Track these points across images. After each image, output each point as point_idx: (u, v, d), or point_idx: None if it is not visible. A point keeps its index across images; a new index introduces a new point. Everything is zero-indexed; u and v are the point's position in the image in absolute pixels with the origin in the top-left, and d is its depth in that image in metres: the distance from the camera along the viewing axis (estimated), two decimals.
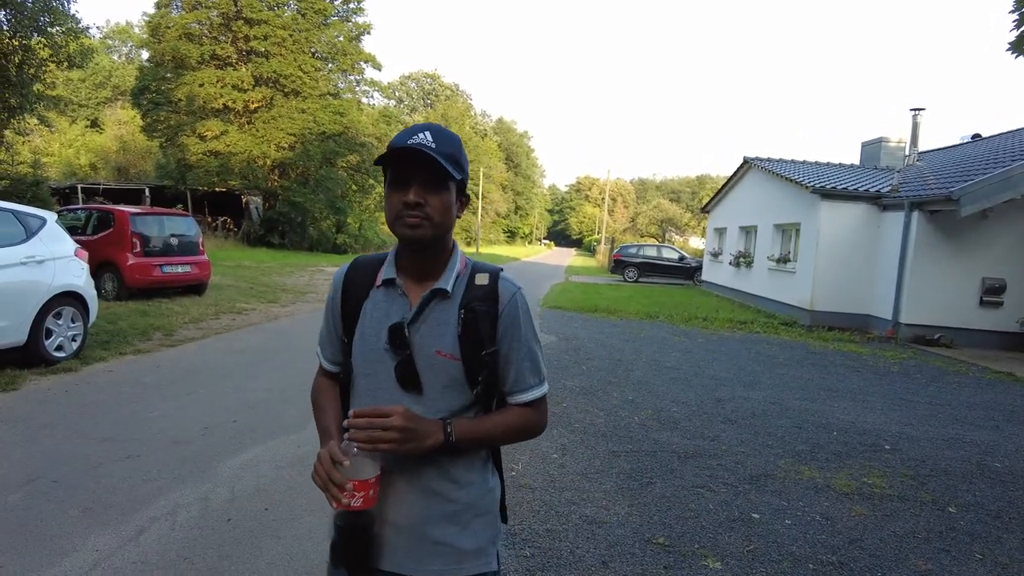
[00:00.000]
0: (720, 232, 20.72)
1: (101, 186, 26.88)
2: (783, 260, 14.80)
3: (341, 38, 28.23)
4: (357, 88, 30.63)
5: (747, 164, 17.83)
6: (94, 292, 6.55)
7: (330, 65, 28.49)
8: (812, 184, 13.01)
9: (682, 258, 25.24)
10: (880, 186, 13.32)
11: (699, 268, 23.70)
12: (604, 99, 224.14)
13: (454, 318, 1.28)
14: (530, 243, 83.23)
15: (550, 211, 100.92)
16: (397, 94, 66.84)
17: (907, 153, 16.15)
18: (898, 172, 15.14)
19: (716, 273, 20.55)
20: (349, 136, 28.12)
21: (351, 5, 28.54)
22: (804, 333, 11.86)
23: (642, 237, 51.82)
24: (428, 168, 1.20)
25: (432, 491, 1.28)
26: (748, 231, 18.07)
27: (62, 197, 24.53)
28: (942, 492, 4.29)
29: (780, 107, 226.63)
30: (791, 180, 14.13)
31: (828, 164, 17.40)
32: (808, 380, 7.69)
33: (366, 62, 29.45)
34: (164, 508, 3.43)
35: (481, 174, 54.87)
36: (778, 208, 15.47)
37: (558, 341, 9.45)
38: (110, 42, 42.89)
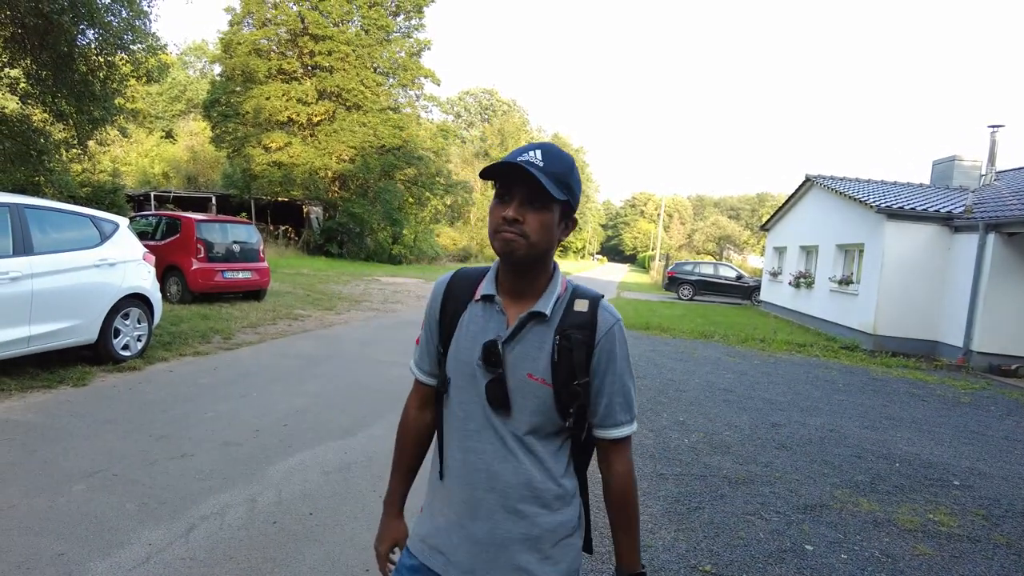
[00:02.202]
0: (780, 251, 20.13)
1: (172, 194, 28.20)
2: (845, 282, 14.25)
3: (402, 54, 28.94)
4: (416, 103, 31.27)
5: (809, 182, 17.30)
6: (159, 295, 6.84)
7: (391, 80, 29.20)
8: (877, 203, 12.50)
9: (740, 277, 24.62)
10: (952, 206, 12.68)
11: (757, 287, 23.07)
12: (662, 114, 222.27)
13: (549, 343, 1.26)
14: (582, 258, 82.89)
15: (604, 226, 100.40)
16: (455, 109, 67.90)
17: (983, 172, 15.36)
18: (972, 192, 14.40)
19: (775, 293, 19.95)
20: (407, 150, 28.70)
21: (412, 22, 29.25)
22: (866, 358, 11.35)
23: (698, 254, 50.98)
24: (530, 185, 1.19)
25: (519, 512, 1.27)
26: (809, 251, 17.49)
27: (137, 204, 25.88)
28: (1019, 535, 4.00)
29: (847, 125, 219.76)
30: (855, 199, 13.62)
31: (895, 183, 16.71)
32: (869, 407, 7.34)
33: (425, 77, 30.05)
34: (214, 507, 3.52)
35: None
36: (841, 228, 14.92)
37: None
38: (187, 58, 45.25)
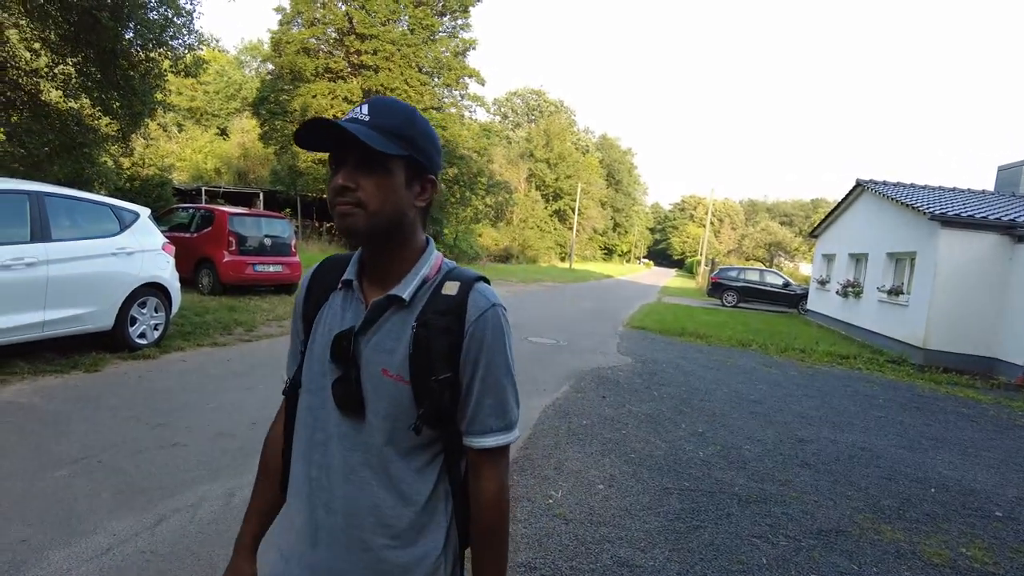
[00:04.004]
0: (828, 259, 19.31)
1: (222, 189, 28.97)
2: (895, 292, 13.50)
3: (447, 53, 29.01)
4: (460, 102, 31.33)
5: (860, 187, 16.50)
6: (178, 285, 6.90)
7: (435, 79, 29.33)
8: (931, 210, 11.78)
9: (787, 284, 23.74)
10: (1016, 214, 11.86)
11: (804, 296, 22.20)
12: (714, 116, 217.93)
13: (408, 333, 1.06)
14: (628, 261, 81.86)
15: (651, 230, 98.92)
16: (503, 110, 68.06)
17: None
18: None
19: (822, 302, 19.13)
20: (449, 149, 28.75)
21: (459, 21, 29.30)
22: (913, 373, 10.69)
23: (747, 260, 49.65)
24: (359, 146, 0.99)
25: (363, 543, 1.07)
26: (858, 259, 16.69)
27: (189, 197, 26.67)
28: None
29: (908, 129, 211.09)
30: (908, 205, 12.88)
31: (954, 189, 15.79)
32: (909, 426, 6.84)
33: (470, 77, 30.07)
34: (190, 500, 3.44)
35: (579, 189, 54.62)
36: (892, 235, 14.16)
37: (633, 363, 9.02)
38: (243, 58, 46.53)
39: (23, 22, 10.50)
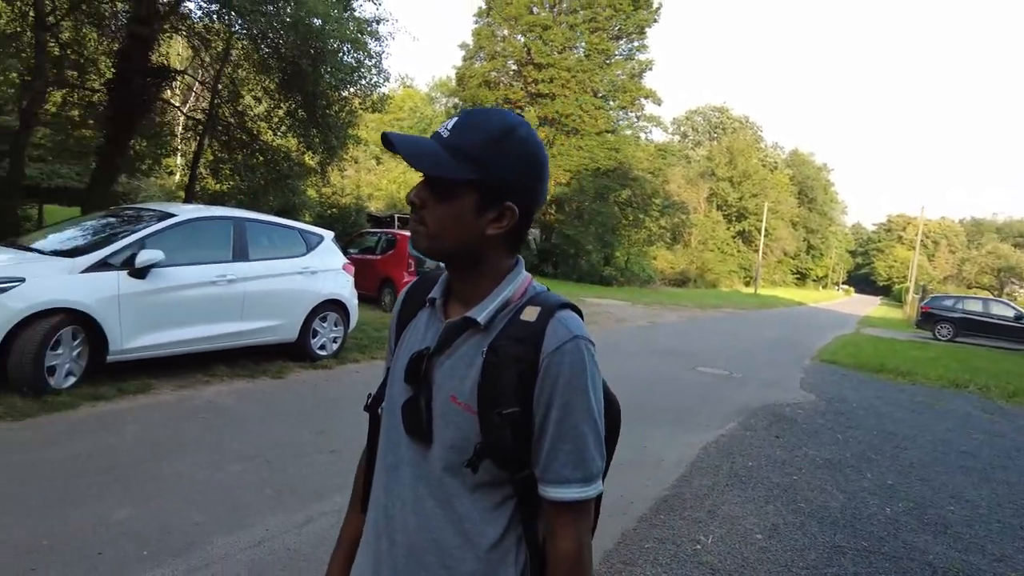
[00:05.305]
0: None
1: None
2: None
3: (623, 76, 29.02)
4: (636, 124, 31.09)
5: None
6: (356, 301, 7.48)
7: (610, 103, 29.42)
8: None
9: (1020, 317, 20.02)
10: None
11: None
12: (924, 125, 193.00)
13: (480, 359, 0.97)
14: (824, 287, 74.91)
15: (852, 252, 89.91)
16: (682, 129, 66.37)
17: None
18: None
19: None
20: (623, 171, 28.60)
21: (634, 43, 29.21)
22: None
23: (969, 288, 42.99)
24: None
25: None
26: None
27: (383, 224, 29.35)
28: None
29: None
30: None
31: None
32: None
33: (646, 98, 29.76)
34: (336, 504, 3.61)
35: (766, 208, 51.14)
36: None
37: (816, 401, 8.07)
38: (433, 94, 50.59)
39: (251, 75, 12.36)
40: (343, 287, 7.21)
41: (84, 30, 11.42)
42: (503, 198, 0.97)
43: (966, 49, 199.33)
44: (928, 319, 21.21)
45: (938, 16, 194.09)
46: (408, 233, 11.06)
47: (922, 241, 43.58)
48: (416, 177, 1.04)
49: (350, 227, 16.94)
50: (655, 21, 28.63)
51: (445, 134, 0.96)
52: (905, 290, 44.37)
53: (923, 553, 3.70)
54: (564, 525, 0.96)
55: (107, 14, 11.16)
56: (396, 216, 31.16)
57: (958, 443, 6.50)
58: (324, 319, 7.03)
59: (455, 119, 0.98)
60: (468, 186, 0.95)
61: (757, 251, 51.80)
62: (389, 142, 0.96)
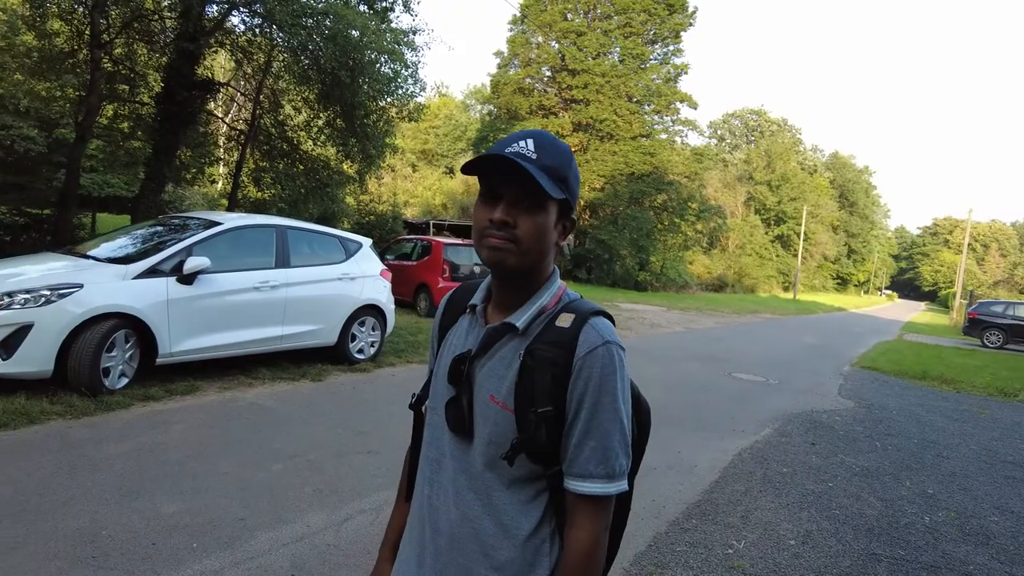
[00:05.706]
0: None
1: (447, 222, 31.75)
2: None
3: (658, 80, 28.86)
4: (671, 128, 30.88)
5: None
6: (392, 307, 7.64)
7: (645, 107, 29.28)
8: None
9: None
10: None
11: None
12: (971, 125, 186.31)
13: (518, 361, 1.07)
14: (866, 292, 72.98)
15: (895, 257, 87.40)
16: (719, 132, 65.53)
17: None
18: None
19: None
20: (657, 176, 28.42)
21: (669, 48, 29.05)
22: None
23: (1021, 293, 41.28)
24: (521, 182, 1.02)
25: (466, 570, 1.08)
26: None
27: (419, 230, 29.71)
28: None
29: None
30: None
31: None
32: None
33: (681, 101, 29.53)
34: (374, 503, 3.73)
35: (805, 212, 50.10)
36: None
37: (855, 408, 7.92)
38: (468, 102, 51.03)
39: (292, 86, 12.72)
40: (380, 293, 7.37)
41: (135, 46, 11.94)
42: (570, 212, 1.10)
43: (1019, 42, 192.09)
44: (976, 325, 20.54)
45: (983, 11, 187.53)
46: (443, 240, 11.25)
47: (971, 245, 42.08)
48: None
49: (387, 234, 17.24)
50: (690, 25, 28.45)
51: (532, 154, 1.03)
52: (952, 295, 42.95)
53: (963, 564, 3.64)
54: (583, 517, 1.04)
55: (157, 31, 11.66)
56: (431, 222, 31.57)
57: (1004, 453, 6.32)
58: (362, 324, 7.20)
59: (529, 140, 1.05)
60: (555, 203, 1.06)
61: (796, 256, 50.76)
62: (506, 162, 1.01)
